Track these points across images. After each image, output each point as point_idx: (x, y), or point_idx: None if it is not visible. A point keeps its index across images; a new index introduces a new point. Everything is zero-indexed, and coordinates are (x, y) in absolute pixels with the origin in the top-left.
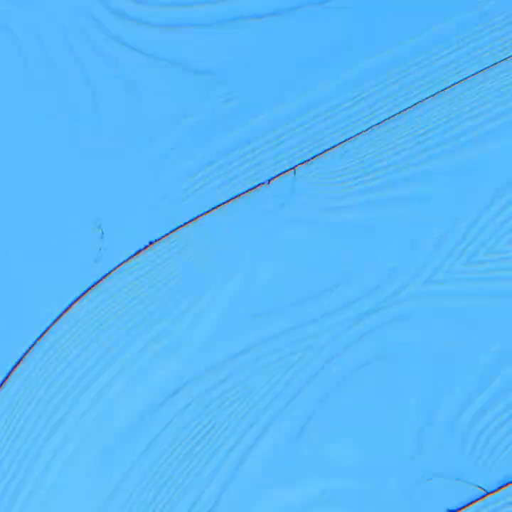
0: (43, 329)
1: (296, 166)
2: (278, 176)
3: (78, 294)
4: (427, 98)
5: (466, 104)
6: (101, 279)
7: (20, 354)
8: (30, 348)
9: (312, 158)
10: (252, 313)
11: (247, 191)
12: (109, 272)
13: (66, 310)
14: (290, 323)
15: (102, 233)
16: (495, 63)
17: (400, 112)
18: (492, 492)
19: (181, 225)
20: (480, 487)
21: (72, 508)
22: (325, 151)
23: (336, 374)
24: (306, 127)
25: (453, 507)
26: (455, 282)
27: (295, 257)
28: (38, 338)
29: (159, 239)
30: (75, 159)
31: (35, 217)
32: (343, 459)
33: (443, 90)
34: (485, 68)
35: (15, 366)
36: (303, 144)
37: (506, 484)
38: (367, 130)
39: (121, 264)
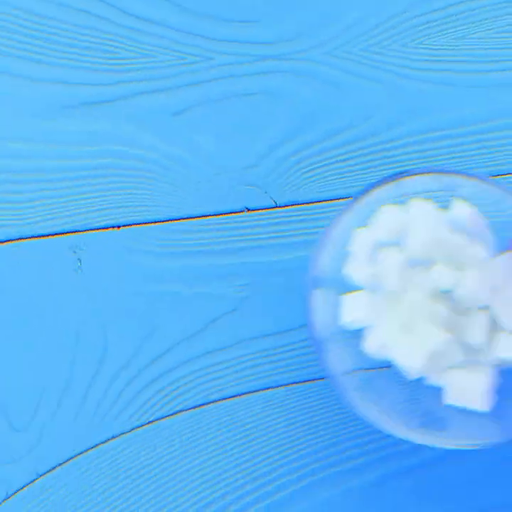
0: None
1: None
2: None
3: None
4: None
5: None
6: None
7: None
8: None
9: None
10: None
11: None
12: None
13: None
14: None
15: None
16: None
17: None
18: (279, 206)
19: None
20: (273, 199)
21: None
22: None
23: (230, 91)
24: None
25: (251, 207)
26: (347, 60)
27: None
28: None
29: None
30: None
31: None
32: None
33: None
34: None
35: None
36: None
37: (292, 204)
38: None
39: None
